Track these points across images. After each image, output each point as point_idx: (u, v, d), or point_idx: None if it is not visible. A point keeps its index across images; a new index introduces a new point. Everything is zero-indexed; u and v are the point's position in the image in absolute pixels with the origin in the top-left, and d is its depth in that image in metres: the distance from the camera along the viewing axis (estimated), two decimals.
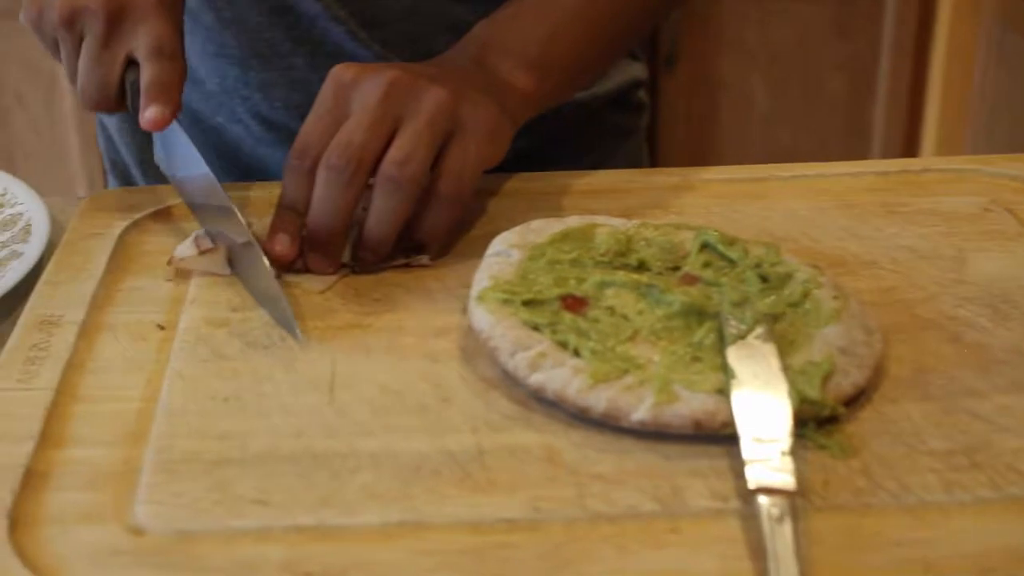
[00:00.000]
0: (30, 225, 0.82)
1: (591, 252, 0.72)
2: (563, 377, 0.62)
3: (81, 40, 0.79)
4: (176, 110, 0.77)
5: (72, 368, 0.67)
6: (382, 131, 0.73)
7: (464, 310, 0.71)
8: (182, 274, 0.75)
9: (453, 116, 0.74)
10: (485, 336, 0.65)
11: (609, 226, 0.74)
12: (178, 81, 0.78)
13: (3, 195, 0.87)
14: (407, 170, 0.72)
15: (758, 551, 0.53)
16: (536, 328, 0.65)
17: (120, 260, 0.78)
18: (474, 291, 0.69)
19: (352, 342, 0.69)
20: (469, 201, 0.77)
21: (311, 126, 0.75)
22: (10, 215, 0.84)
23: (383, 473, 0.58)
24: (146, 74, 0.77)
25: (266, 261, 0.72)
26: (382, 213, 0.73)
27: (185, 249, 0.75)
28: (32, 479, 0.58)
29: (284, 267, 0.75)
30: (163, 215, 0.84)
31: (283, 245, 0.75)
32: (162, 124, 0.76)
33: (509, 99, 0.79)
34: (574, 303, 0.67)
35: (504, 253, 0.72)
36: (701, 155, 2.51)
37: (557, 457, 0.60)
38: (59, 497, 0.57)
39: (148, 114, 0.76)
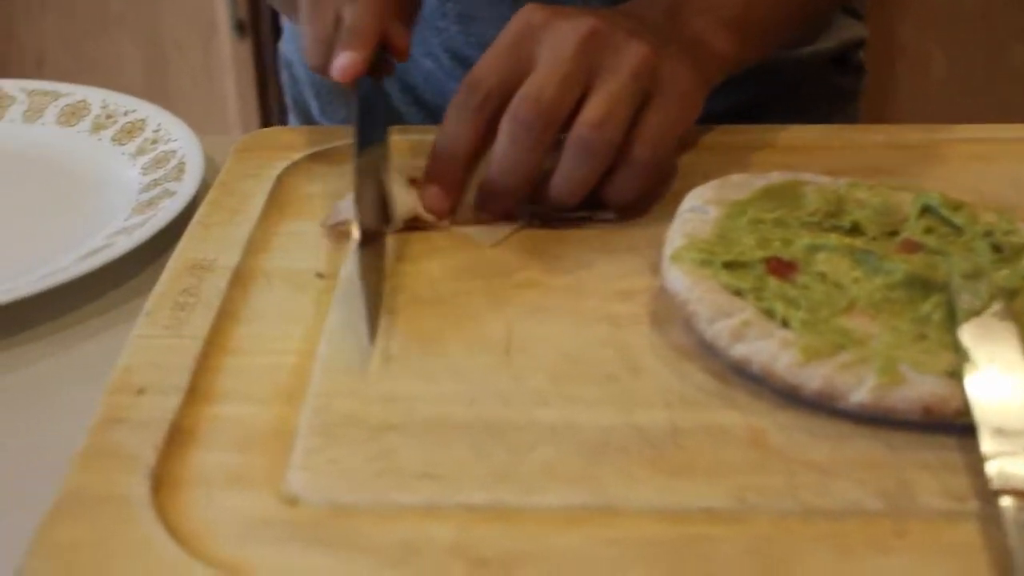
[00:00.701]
0: (184, 163, 0.77)
1: (797, 212, 0.65)
2: (770, 350, 0.55)
3: None
4: (369, 55, 0.71)
5: (223, 317, 0.62)
6: (576, 86, 0.66)
7: (653, 271, 0.64)
8: (337, 235, 0.69)
9: (653, 75, 0.68)
10: (681, 300, 0.59)
11: (816, 184, 0.67)
12: (377, 25, 0.72)
13: (157, 131, 0.82)
14: (603, 133, 0.66)
15: (1002, 562, 0.46)
16: (738, 293, 0.58)
17: (278, 202, 0.73)
18: (668, 250, 0.62)
19: (529, 302, 0.63)
20: (663, 167, 0.71)
21: (488, 62, 0.69)
22: (163, 152, 0.80)
23: (564, 448, 0.52)
24: (344, 19, 0.72)
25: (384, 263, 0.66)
26: (570, 176, 0.67)
27: (342, 212, 0.69)
28: (178, 436, 0.53)
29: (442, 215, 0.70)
30: (323, 156, 0.78)
31: (438, 200, 0.69)
32: (352, 72, 0.70)
33: (704, 60, 0.72)
34: (781, 267, 0.60)
35: (700, 209, 0.65)
36: (875, 118, 2.39)
37: (763, 440, 0.53)
38: (206, 457, 0.52)
39: (336, 62, 0.70)
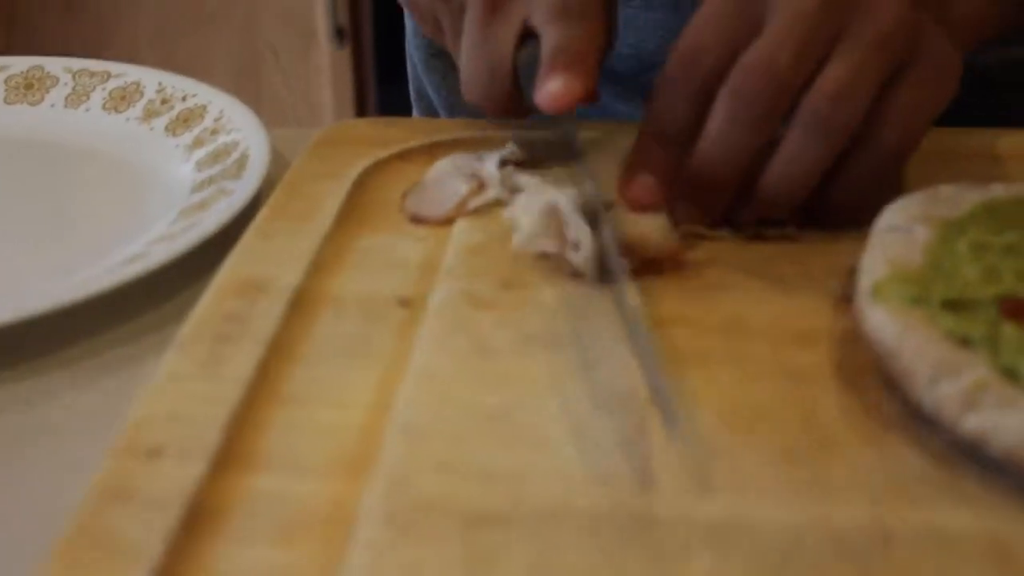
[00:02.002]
0: (246, 158, 0.64)
1: None
2: (1017, 425, 0.40)
3: (463, 14, 0.62)
4: (592, 84, 0.57)
5: (276, 354, 0.48)
6: (816, 51, 0.53)
7: (835, 307, 0.50)
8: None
9: (908, 43, 0.54)
10: (887, 350, 0.44)
11: None
12: (595, 47, 0.59)
13: (218, 120, 0.69)
14: (843, 109, 0.52)
15: None
16: (965, 344, 0.43)
17: (356, 209, 0.59)
18: (865, 281, 0.47)
19: (678, 343, 0.48)
20: (905, 161, 0.57)
21: (704, 26, 0.55)
22: (224, 144, 0.67)
23: (730, 558, 0.38)
24: (549, 38, 0.58)
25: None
26: (798, 160, 0.54)
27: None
28: (199, 519, 0.40)
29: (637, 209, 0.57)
30: (418, 154, 0.65)
31: (643, 190, 0.56)
32: (568, 100, 0.57)
33: (959, 27, 0.59)
34: (1019, 310, 0.45)
35: (903, 229, 0.50)
36: None
37: (1007, 553, 0.38)
38: (235, 553, 0.39)
39: (550, 86, 0.56)
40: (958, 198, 0.52)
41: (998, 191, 0.53)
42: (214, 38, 2.42)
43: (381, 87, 2.39)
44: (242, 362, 0.47)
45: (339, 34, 2.33)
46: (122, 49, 2.40)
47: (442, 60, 0.93)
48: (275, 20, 2.39)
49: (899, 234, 0.50)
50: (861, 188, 0.55)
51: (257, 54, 2.43)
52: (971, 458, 0.41)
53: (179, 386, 0.46)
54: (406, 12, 0.96)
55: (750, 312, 0.50)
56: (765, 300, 0.51)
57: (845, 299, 0.50)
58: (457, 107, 0.92)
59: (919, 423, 0.43)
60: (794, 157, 0.54)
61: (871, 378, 0.45)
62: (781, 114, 0.53)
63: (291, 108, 2.46)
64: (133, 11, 2.41)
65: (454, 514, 0.39)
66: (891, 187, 0.56)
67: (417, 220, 0.58)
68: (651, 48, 0.80)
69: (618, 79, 0.82)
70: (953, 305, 0.45)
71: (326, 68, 2.39)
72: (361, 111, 2.39)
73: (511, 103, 0.62)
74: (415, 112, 1.03)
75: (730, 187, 0.55)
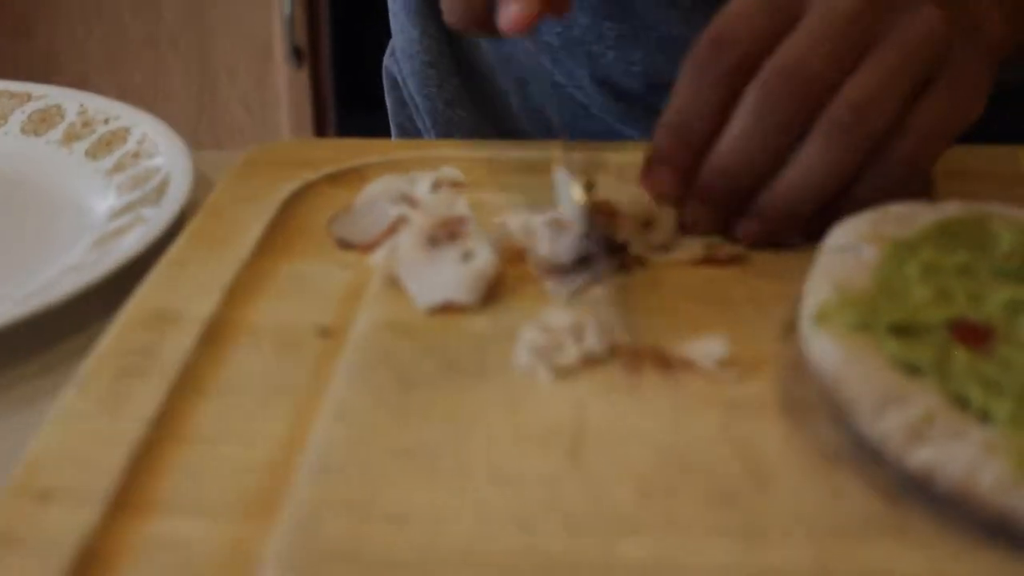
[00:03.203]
0: (167, 183, 0.62)
1: (989, 256, 0.48)
2: (966, 457, 0.39)
3: None
4: (541, 4, 0.56)
5: (183, 389, 0.46)
6: (848, 56, 0.53)
7: (785, 335, 0.49)
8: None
9: (940, 55, 0.54)
10: (831, 379, 0.42)
11: (1009, 218, 0.51)
12: None
13: (141, 143, 0.67)
14: (868, 118, 0.52)
15: None
16: (913, 371, 0.42)
17: (281, 234, 0.58)
18: (810, 305, 0.45)
19: (610, 375, 0.47)
20: (924, 178, 0.57)
21: (738, 14, 0.55)
22: (145, 168, 0.65)
23: None
24: None
25: None
26: (815, 169, 0.53)
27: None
28: (90, 567, 0.38)
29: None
30: (350, 176, 0.63)
31: (669, 182, 0.56)
32: (526, 19, 0.56)
33: (986, 42, 0.57)
34: (971, 333, 0.44)
35: (852, 249, 0.49)
36: None
37: None
38: None
39: (508, 10, 0.56)
40: (910, 216, 0.51)
41: (952, 209, 0.51)
42: (169, 61, 2.40)
43: (341, 110, 2.38)
44: (146, 399, 0.45)
45: (296, 54, 2.32)
46: (73, 73, 2.38)
47: (438, 69, 0.91)
48: (231, 41, 2.37)
49: (846, 255, 0.48)
50: (874, 201, 0.53)
51: (213, 76, 2.41)
52: (920, 494, 0.40)
53: (76, 425, 0.44)
54: (395, 27, 0.95)
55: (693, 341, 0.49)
56: (709, 328, 0.49)
57: (791, 325, 0.48)
58: (454, 122, 0.91)
59: (865, 457, 0.41)
60: (812, 166, 0.53)
61: (816, 410, 0.44)
62: (807, 119, 0.53)
63: (249, 132, 2.44)
64: (85, 34, 2.39)
65: (363, 561, 0.37)
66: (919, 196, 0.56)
67: (344, 246, 0.57)
68: (660, 66, 0.78)
69: (624, 97, 0.81)
70: (901, 330, 0.43)
71: (283, 90, 2.38)
72: (320, 134, 2.38)
73: (485, 21, 0.59)
74: (395, 135, 1.00)
75: (744, 190, 0.55)
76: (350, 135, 0.76)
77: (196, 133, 2.40)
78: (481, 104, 0.90)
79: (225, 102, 2.41)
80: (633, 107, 0.81)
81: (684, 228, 0.57)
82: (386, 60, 1.00)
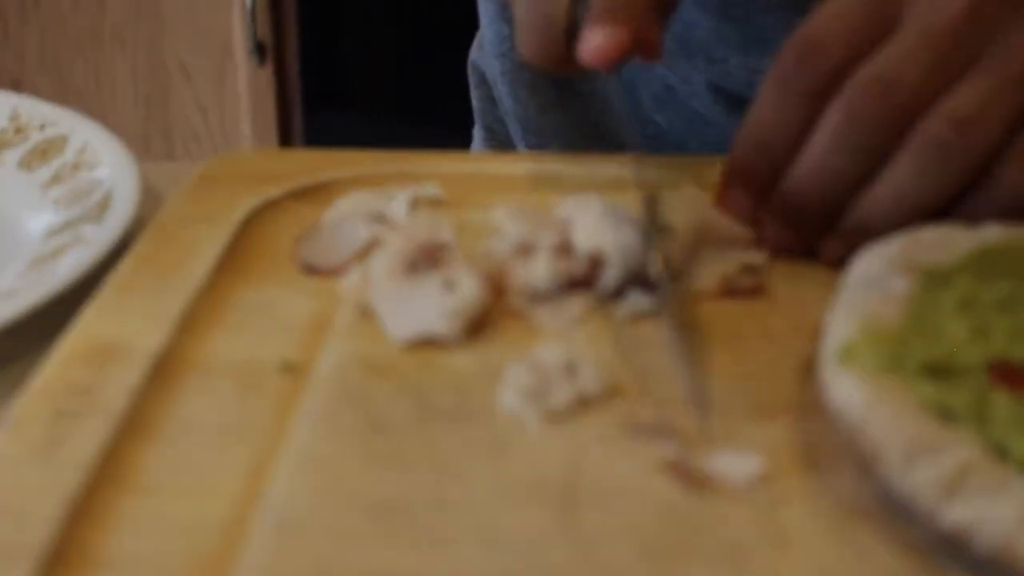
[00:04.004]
0: (110, 198, 0.63)
1: None
2: (1008, 516, 0.39)
3: None
4: (644, 34, 0.58)
5: (129, 432, 0.46)
6: (947, 74, 0.54)
7: (804, 375, 0.49)
8: None
9: None
10: (855, 425, 0.43)
11: None
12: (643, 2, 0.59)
13: (81, 152, 0.68)
14: (968, 138, 0.53)
15: None
16: (947, 417, 0.42)
17: (239, 258, 0.58)
18: (831, 343, 0.46)
19: (605, 422, 0.47)
20: None
21: (830, 19, 0.56)
22: (86, 182, 0.65)
23: None
24: None
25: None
26: (909, 190, 0.54)
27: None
28: None
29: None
30: (317, 192, 0.64)
31: (745, 206, 0.58)
32: (611, 52, 0.57)
33: None
34: (1013, 376, 0.44)
35: (878, 281, 0.49)
36: None
37: None
38: None
39: (593, 38, 0.57)
40: (945, 242, 0.51)
41: (992, 233, 0.52)
42: (116, 58, 2.42)
43: (309, 113, 2.39)
44: (85, 443, 0.45)
45: (259, 50, 2.33)
46: (6, 72, 2.39)
47: (531, 71, 0.91)
48: (186, 35, 2.38)
49: (873, 287, 0.49)
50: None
51: (166, 75, 2.42)
52: (955, 557, 0.40)
53: (6, 472, 0.44)
54: (484, 20, 0.95)
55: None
56: (717, 366, 0.50)
57: (810, 364, 0.49)
58: (548, 131, 0.92)
59: (893, 514, 0.42)
60: (905, 186, 0.54)
61: (837, 459, 0.44)
62: (895, 138, 0.54)
63: (206, 139, 2.45)
64: (20, 27, 2.40)
65: None
66: None
67: (311, 271, 0.57)
68: None
69: (743, 107, 0.83)
70: (934, 371, 0.44)
71: (245, 91, 2.39)
72: (286, 140, 2.39)
73: (564, 57, 0.61)
74: (482, 140, 1.01)
75: (827, 210, 0.56)
76: (319, 141, 0.77)
77: (146, 141, 2.41)
78: (578, 112, 0.90)
79: (179, 105, 2.42)
80: None
81: (766, 248, 0.58)
82: (473, 54, 1.01)
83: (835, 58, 0.54)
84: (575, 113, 0.91)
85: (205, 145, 2.45)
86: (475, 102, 1.01)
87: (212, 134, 2.45)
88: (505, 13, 0.90)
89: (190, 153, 2.44)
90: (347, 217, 0.60)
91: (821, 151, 0.55)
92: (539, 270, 0.54)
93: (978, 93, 0.53)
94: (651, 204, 0.56)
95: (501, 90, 0.95)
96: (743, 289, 0.56)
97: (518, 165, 0.66)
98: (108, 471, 0.44)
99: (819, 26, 0.55)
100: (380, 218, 0.59)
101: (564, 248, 0.55)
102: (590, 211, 0.56)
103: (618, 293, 0.54)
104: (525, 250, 0.55)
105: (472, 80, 1.00)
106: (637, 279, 0.54)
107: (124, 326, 0.52)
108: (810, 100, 0.55)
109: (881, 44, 0.54)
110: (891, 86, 0.53)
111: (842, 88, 0.54)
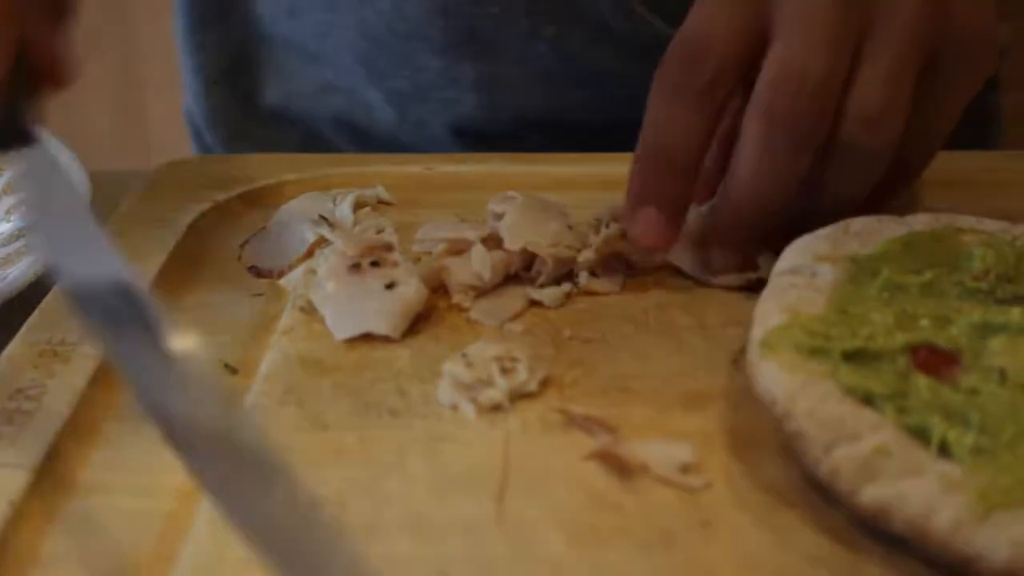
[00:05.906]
0: None
1: (957, 274, 0.50)
2: (924, 495, 0.40)
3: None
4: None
5: (74, 434, 0.48)
6: (846, 52, 0.53)
7: (734, 364, 0.50)
8: None
9: (939, 27, 0.54)
10: (778, 412, 0.44)
11: (982, 233, 0.52)
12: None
13: None
14: (882, 134, 0.53)
15: None
16: (869, 401, 0.43)
17: (187, 261, 0.60)
18: (757, 332, 0.47)
19: (539, 414, 0.48)
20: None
21: (712, 15, 0.54)
22: None
23: None
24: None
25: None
26: (845, 193, 0.55)
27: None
28: None
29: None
30: (265, 195, 0.65)
31: (657, 229, 0.55)
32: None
33: None
34: (935, 360, 0.45)
35: (806, 270, 0.50)
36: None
37: None
38: None
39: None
40: (873, 232, 0.53)
41: (919, 222, 0.53)
42: (88, 63, 2.41)
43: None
44: (29, 444, 0.46)
45: None
46: None
47: (220, 87, 0.91)
48: (161, 39, 2.38)
49: (800, 276, 0.50)
50: (879, 199, 0.56)
51: (139, 81, 2.42)
52: (874, 534, 0.41)
53: None
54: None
55: (634, 372, 0.50)
56: (652, 358, 0.51)
57: (740, 354, 0.50)
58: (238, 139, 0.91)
59: (816, 495, 0.43)
60: (841, 192, 0.55)
61: (764, 446, 0.45)
62: (826, 129, 0.53)
63: (183, 147, 2.45)
64: None
65: None
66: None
67: (257, 273, 0.58)
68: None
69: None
70: (856, 357, 0.45)
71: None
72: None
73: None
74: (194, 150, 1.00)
75: (775, 223, 0.55)
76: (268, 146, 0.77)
77: (121, 147, 2.41)
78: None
79: (156, 112, 2.42)
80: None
81: (714, 274, 0.57)
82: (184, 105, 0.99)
83: (720, 56, 0.53)
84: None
85: (183, 148, 2.44)
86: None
87: (188, 143, 2.45)
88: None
89: (163, 157, 2.43)
90: (293, 219, 0.61)
91: (751, 160, 0.54)
92: (475, 264, 0.55)
93: (879, 77, 0.53)
94: None
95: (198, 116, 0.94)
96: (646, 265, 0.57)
97: (461, 167, 0.67)
98: (52, 472, 0.46)
99: (698, 25, 0.54)
100: (325, 220, 0.60)
101: (494, 240, 0.56)
102: (515, 206, 0.57)
103: (553, 283, 0.55)
104: (459, 248, 0.56)
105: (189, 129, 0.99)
106: (567, 271, 0.55)
107: (69, 330, 0.53)
108: (704, 102, 0.54)
109: (759, 34, 0.53)
110: (802, 78, 0.52)
111: (736, 85, 0.54)
